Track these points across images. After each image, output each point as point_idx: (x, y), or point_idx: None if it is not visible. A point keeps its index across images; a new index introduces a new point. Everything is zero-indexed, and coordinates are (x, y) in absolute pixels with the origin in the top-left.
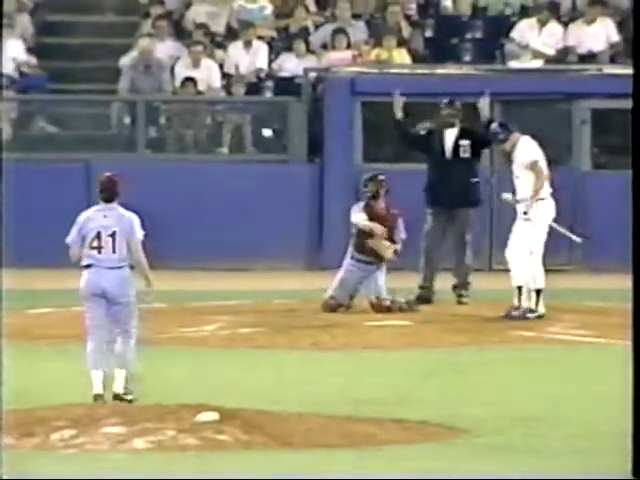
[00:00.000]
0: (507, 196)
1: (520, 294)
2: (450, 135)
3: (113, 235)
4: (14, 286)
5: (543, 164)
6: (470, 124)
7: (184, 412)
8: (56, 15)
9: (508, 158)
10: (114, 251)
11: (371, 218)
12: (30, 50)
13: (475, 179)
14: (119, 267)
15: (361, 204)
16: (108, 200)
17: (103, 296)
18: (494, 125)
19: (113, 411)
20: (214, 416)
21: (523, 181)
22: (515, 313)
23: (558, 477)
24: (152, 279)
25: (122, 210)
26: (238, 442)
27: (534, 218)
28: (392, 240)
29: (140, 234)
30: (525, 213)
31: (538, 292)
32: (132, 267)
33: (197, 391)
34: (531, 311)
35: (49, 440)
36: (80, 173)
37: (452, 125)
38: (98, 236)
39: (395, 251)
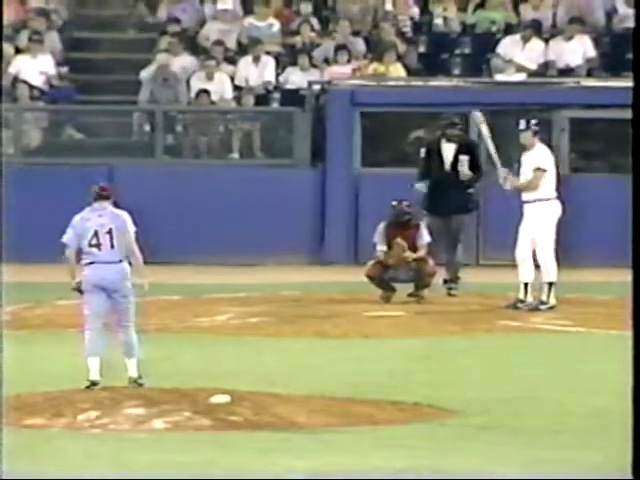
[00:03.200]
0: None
1: (526, 290)
2: (449, 149)
3: (110, 232)
4: (45, 280)
5: (550, 171)
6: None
7: (199, 395)
8: (83, 32)
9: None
10: (112, 247)
11: (393, 238)
12: (59, 64)
13: (471, 189)
14: (119, 261)
15: (383, 225)
16: (101, 198)
17: (104, 289)
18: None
19: (134, 394)
20: (226, 398)
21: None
22: (522, 306)
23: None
24: (145, 272)
25: (113, 209)
26: (248, 422)
27: (542, 217)
28: (415, 248)
29: (132, 229)
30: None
31: (550, 285)
32: (131, 264)
33: (210, 375)
34: (542, 303)
35: (76, 420)
36: (104, 177)
37: (450, 141)
38: (96, 234)
39: (417, 258)
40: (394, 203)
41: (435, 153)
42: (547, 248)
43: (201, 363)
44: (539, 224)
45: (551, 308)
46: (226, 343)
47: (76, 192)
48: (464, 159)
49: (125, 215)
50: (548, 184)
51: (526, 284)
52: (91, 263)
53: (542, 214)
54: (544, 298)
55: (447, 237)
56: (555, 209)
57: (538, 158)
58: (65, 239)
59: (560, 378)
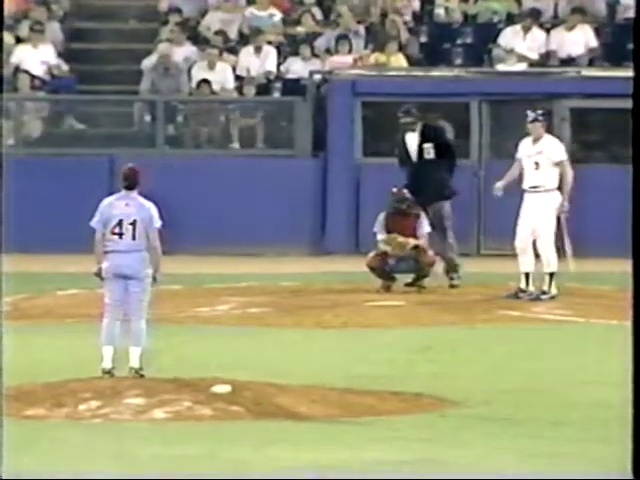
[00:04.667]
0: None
1: (528, 280)
2: (412, 139)
3: (134, 223)
4: (46, 270)
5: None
6: (434, 123)
7: (199, 385)
8: (84, 22)
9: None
10: (134, 238)
11: (393, 228)
12: (60, 54)
13: (445, 175)
14: (138, 251)
15: (384, 215)
16: (129, 188)
17: (123, 276)
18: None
19: (134, 384)
20: (227, 388)
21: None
22: (523, 295)
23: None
24: (160, 266)
25: (142, 200)
26: (249, 412)
27: (543, 208)
28: (415, 237)
29: (158, 223)
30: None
31: (551, 275)
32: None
33: (211, 365)
34: (544, 293)
35: (77, 410)
36: (105, 167)
37: (412, 130)
38: (120, 223)
39: (416, 246)
40: (394, 190)
41: (401, 145)
42: (547, 238)
43: (202, 353)
44: (540, 214)
45: (552, 298)
46: (227, 333)
47: (77, 182)
48: (429, 147)
49: (152, 208)
50: (553, 174)
51: (527, 274)
52: (111, 252)
53: (543, 204)
54: (545, 288)
55: (434, 226)
56: (557, 200)
57: (556, 150)
58: (93, 223)
59: (561, 369)
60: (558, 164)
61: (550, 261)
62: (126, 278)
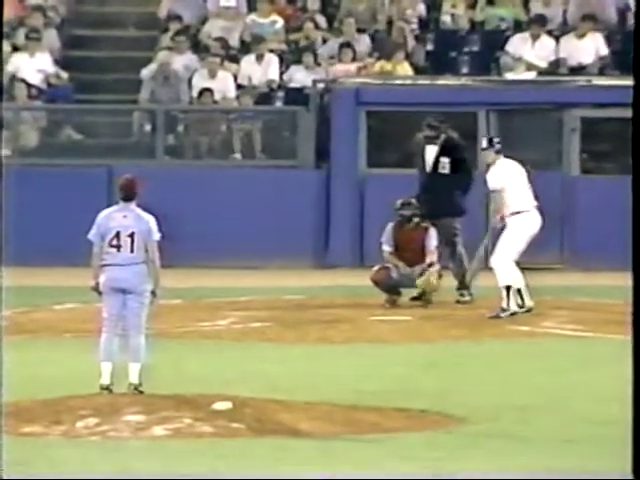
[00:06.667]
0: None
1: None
2: (431, 151)
3: (132, 235)
4: (43, 283)
5: (511, 189)
6: (456, 138)
7: (200, 401)
8: (82, 30)
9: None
10: (132, 251)
11: (400, 239)
12: (57, 63)
13: (456, 192)
14: (137, 264)
15: (391, 225)
16: (127, 199)
17: (122, 290)
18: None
19: (134, 401)
20: (228, 405)
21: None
22: (502, 315)
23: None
24: (159, 280)
25: (140, 211)
26: (250, 429)
27: (514, 228)
28: (423, 253)
29: (157, 236)
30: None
31: (508, 289)
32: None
33: (212, 382)
34: (503, 310)
35: (75, 428)
36: (103, 178)
37: (434, 144)
38: (117, 235)
39: (434, 269)
40: (401, 202)
41: (419, 156)
42: (502, 254)
43: (202, 369)
44: (508, 234)
45: (514, 314)
46: (228, 348)
47: (74, 194)
48: (445, 161)
49: (151, 221)
50: (515, 198)
51: (508, 288)
52: (109, 265)
53: (516, 225)
54: (504, 305)
55: (444, 243)
56: (528, 221)
57: (494, 178)
58: (90, 236)
59: (570, 384)
60: (493, 192)
61: (501, 275)
62: (124, 292)
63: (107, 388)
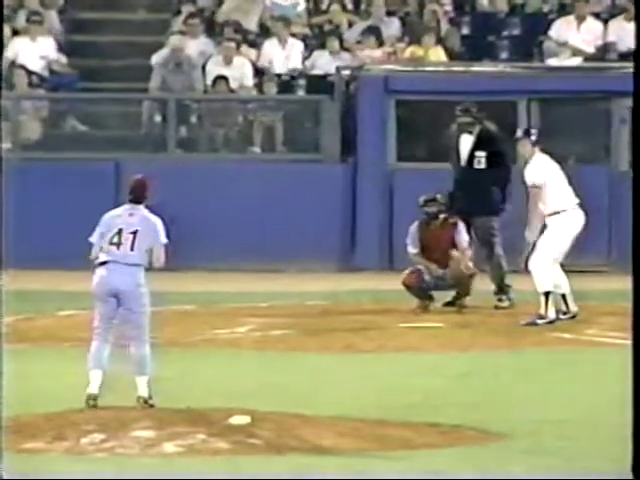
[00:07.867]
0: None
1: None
2: (466, 143)
3: (135, 233)
4: (45, 287)
5: (552, 185)
6: (493, 130)
7: (215, 415)
8: (86, 12)
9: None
10: (132, 249)
11: (426, 238)
12: (60, 48)
13: (493, 188)
14: (135, 265)
15: (416, 225)
16: (135, 202)
17: (115, 296)
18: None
19: (143, 415)
20: (246, 419)
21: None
22: (540, 322)
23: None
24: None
25: (147, 213)
26: (270, 446)
27: (554, 229)
28: (454, 248)
29: (164, 239)
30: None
31: (547, 295)
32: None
33: (228, 394)
34: (541, 317)
35: (80, 444)
36: (110, 173)
37: (469, 132)
38: (119, 232)
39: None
40: (424, 198)
41: (453, 149)
42: (541, 258)
43: (218, 380)
44: (548, 235)
45: (551, 322)
46: (246, 358)
47: (79, 190)
48: (481, 155)
49: (159, 223)
50: (555, 196)
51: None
52: (105, 263)
53: (557, 225)
54: (542, 311)
55: (480, 243)
56: (571, 220)
57: (533, 173)
58: (92, 238)
59: (616, 397)
60: (533, 187)
61: (540, 280)
62: (120, 296)
63: (94, 398)
